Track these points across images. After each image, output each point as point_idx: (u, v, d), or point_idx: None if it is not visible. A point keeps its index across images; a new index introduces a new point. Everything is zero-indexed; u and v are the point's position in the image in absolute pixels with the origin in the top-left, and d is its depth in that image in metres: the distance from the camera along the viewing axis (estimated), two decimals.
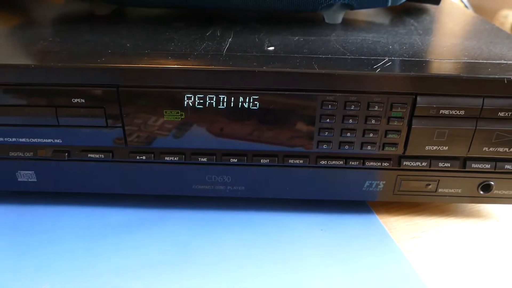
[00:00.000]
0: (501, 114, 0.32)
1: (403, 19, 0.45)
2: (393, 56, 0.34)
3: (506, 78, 0.31)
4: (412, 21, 0.44)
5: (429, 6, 0.51)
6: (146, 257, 0.34)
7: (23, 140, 0.34)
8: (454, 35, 0.41)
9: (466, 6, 0.64)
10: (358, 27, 0.42)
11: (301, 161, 0.35)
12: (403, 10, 0.49)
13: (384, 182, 0.36)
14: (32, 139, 0.34)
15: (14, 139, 0.34)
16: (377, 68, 0.31)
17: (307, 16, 0.45)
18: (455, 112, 0.32)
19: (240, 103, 0.32)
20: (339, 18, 0.42)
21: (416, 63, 0.32)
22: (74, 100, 0.32)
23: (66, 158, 0.35)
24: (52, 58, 0.32)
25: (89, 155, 0.35)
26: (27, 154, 0.35)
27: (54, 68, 0.31)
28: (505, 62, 0.33)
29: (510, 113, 0.32)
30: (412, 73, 0.31)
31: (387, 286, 0.31)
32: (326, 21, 0.42)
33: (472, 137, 0.33)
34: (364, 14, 0.47)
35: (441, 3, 0.50)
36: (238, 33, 0.38)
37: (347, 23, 0.43)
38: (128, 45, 0.35)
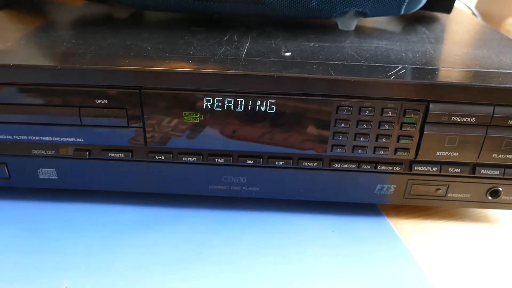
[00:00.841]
0: (511, 122, 0.33)
1: (415, 27, 0.46)
2: (407, 63, 0.35)
3: None
4: (424, 29, 0.45)
5: (440, 14, 0.52)
6: (162, 254, 0.35)
7: (46, 138, 0.35)
8: (465, 44, 0.42)
9: (474, 14, 0.65)
10: (371, 34, 0.43)
11: (315, 164, 0.36)
12: (414, 18, 0.50)
13: (395, 186, 0.37)
14: (55, 138, 0.35)
15: (37, 138, 0.35)
16: (391, 75, 0.32)
17: (321, 23, 0.46)
18: (466, 119, 0.33)
19: (257, 107, 0.33)
20: (353, 25, 0.43)
21: (429, 71, 0.33)
22: (97, 101, 0.33)
23: (87, 157, 0.36)
24: (76, 60, 0.33)
25: (109, 154, 0.36)
26: (49, 152, 0.36)
27: (79, 70, 0.32)
28: None
29: None
30: (425, 81, 0.32)
31: (396, 285, 0.32)
32: (340, 27, 0.43)
33: (482, 144, 0.34)
34: (376, 22, 0.48)
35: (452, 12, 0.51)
36: (255, 39, 0.39)
37: (360, 31, 0.44)
38: (149, 48, 0.36)
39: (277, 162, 0.36)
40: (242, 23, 0.44)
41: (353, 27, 0.43)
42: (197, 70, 0.32)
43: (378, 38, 0.41)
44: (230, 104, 0.33)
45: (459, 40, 0.44)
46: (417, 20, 0.49)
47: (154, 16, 0.47)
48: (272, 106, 0.33)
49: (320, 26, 0.44)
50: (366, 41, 0.40)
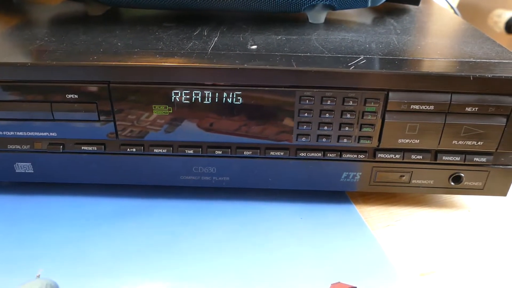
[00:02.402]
0: (468, 109, 0.34)
1: (383, 19, 0.47)
2: (369, 54, 0.36)
3: (472, 75, 0.33)
4: (392, 21, 0.46)
5: (410, 6, 0.53)
6: (136, 244, 0.36)
7: (21, 133, 0.36)
8: (431, 34, 0.43)
9: (451, 7, 0.66)
10: (339, 26, 0.44)
11: (282, 153, 0.37)
12: (385, 11, 0.51)
13: (360, 173, 0.38)
14: (29, 133, 0.36)
15: (12, 133, 0.36)
16: (351, 65, 0.33)
17: (292, 16, 0.47)
18: (425, 107, 0.34)
19: (224, 99, 0.34)
20: (322, 18, 0.44)
21: (389, 61, 0.35)
22: (68, 96, 0.34)
23: (61, 151, 0.37)
24: (47, 56, 0.34)
25: (82, 148, 0.37)
26: (24, 147, 0.37)
27: (49, 66, 0.33)
28: (473, 60, 0.35)
29: (476, 108, 0.34)
30: (384, 71, 0.33)
31: (358, 268, 0.33)
32: (310, 21, 0.44)
33: (442, 131, 0.35)
34: (347, 14, 0.49)
35: (421, 4, 0.52)
36: (224, 33, 0.40)
37: (330, 23, 0.45)
38: (119, 44, 0.37)
39: (245, 152, 0.37)
40: (214, 18, 0.45)
41: (322, 20, 0.44)
42: (161, 64, 0.33)
43: (345, 30, 0.42)
44: (197, 97, 0.34)
45: (425, 31, 0.45)
46: (387, 13, 0.50)
47: (128, 13, 0.48)
48: (238, 98, 0.34)
49: (291, 19, 0.45)
50: (333, 34, 0.41)
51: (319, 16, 0.44)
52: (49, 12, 0.48)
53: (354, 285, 0.32)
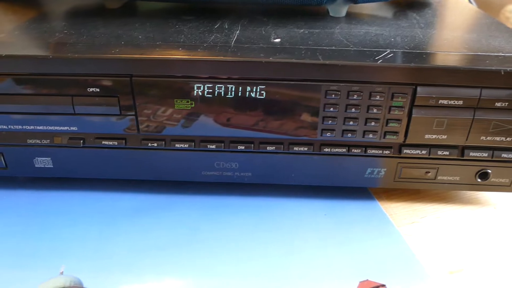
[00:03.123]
0: (498, 104, 0.33)
1: (405, 13, 0.46)
2: (395, 48, 0.35)
3: (503, 69, 0.32)
4: (414, 15, 0.45)
5: (431, 0, 0.52)
6: (157, 239, 0.35)
7: (41, 128, 0.36)
8: (455, 28, 0.42)
9: (470, 1, 0.65)
10: (361, 20, 0.43)
11: (306, 149, 0.36)
12: (406, 4, 0.50)
13: (385, 169, 0.37)
14: (49, 127, 0.36)
15: (32, 127, 0.36)
16: (379, 59, 0.33)
17: (312, 10, 0.46)
18: (454, 102, 0.33)
19: (247, 93, 0.34)
20: (343, 11, 0.43)
21: (416, 55, 0.34)
22: (89, 90, 0.34)
23: (81, 145, 0.37)
24: (68, 49, 0.34)
25: (103, 142, 0.37)
26: (44, 142, 0.37)
27: (70, 59, 0.33)
28: (502, 54, 0.34)
29: (506, 103, 0.33)
30: (413, 64, 0.32)
31: (386, 266, 0.33)
32: (331, 14, 0.44)
33: (470, 127, 0.34)
34: (367, 8, 0.48)
35: None
36: (245, 26, 0.39)
37: (351, 17, 0.44)
38: (140, 37, 0.36)
39: (268, 148, 0.36)
40: (233, 12, 0.44)
41: (343, 14, 0.44)
42: (186, 57, 0.32)
43: (368, 24, 0.42)
44: (220, 91, 0.34)
45: (449, 25, 0.44)
46: (408, 6, 0.49)
47: (146, 6, 0.48)
48: (262, 92, 0.34)
49: (311, 13, 0.45)
50: (356, 27, 0.40)
51: (340, 10, 0.43)
52: (65, 5, 0.48)
53: (383, 283, 0.31)
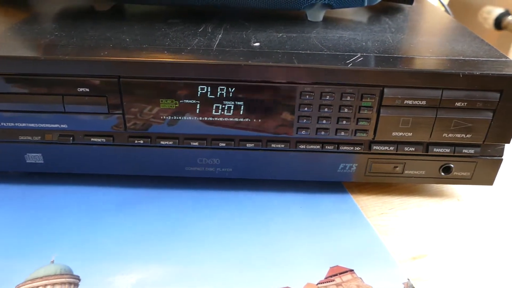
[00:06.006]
0: (458, 104, 0.36)
1: (379, 18, 0.49)
2: (365, 52, 0.38)
3: (461, 72, 0.35)
4: (387, 19, 0.48)
5: (404, 5, 0.55)
6: (142, 230, 0.38)
7: (32, 125, 0.38)
8: (423, 33, 0.45)
9: (443, 6, 0.68)
10: (337, 25, 0.46)
11: (283, 146, 0.39)
12: (381, 9, 0.53)
13: (356, 164, 0.40)
14: (40, 124, 0.38)
15: (23, 124, 0.38)
16: (349, 63, 0.35)
17: (292, 14, 0.48)
18: (418, 102, 0.36)
19: (228, 94, 0.36)
20: (320, 16, 0.46)
21: (384, 59, 0.37)
22: (79, 89, 0.36)
23: (71, 142, 0.39)
24: (59, 51, 0.36)
25: (91, 139, 0.39)
26: (35, 138, 0.39)
27: (61, 60, 0.35)
28: (463, 58, 0.37)
29: (465, 103, 0.36)
30: (380, 68, 0.35)
31: (355, 253, 0.36)
32: (309, 19, 0.46)
33: (433, 125, 0.37)
34: (344, 13, 0.51)
35: (415, 3, 0.54)
36: (227, 30, 0.42)
37: (327, 21, 0.47)
38: (127, 40, 0.38)
39: (247, 145, 0.39)
40: (216, 15, 0.47)
41: (321, 18, 0.46)
42: (170, 60, 0.35)
43: (343, 28, 0.44)
44: (203, 92, 0.36)
45: (418, 29, 0.47)
46: (383, 11, 0.52)
47: (134, 9, 0.50)
48: (242, 93, 0.36)
49: (291, 17, 0.47)
50: (331, 32, 0.43)
51: (317, 14, 0.46)
52: (55, 7, 0.49)
53: (351, 268, 0.34)
